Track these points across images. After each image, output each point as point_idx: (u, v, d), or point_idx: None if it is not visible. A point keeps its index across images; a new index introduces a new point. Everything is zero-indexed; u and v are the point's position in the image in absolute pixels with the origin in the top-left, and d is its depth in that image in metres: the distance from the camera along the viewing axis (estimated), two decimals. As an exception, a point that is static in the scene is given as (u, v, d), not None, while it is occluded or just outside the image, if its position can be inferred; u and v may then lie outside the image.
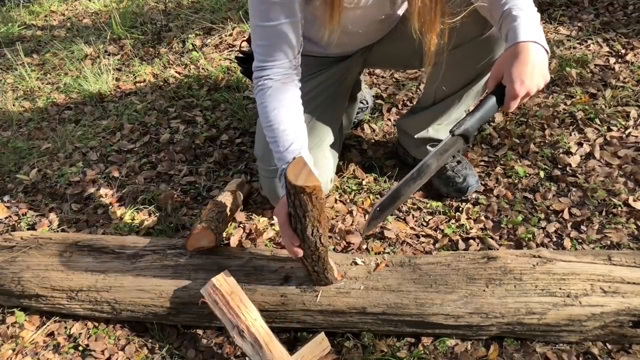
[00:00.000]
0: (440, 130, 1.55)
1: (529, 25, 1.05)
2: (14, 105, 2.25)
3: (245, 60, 1.65)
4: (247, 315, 1.14)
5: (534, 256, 1.22)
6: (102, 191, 1.75)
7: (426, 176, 1.01)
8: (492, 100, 1.05)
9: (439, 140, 1.54)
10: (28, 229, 1.64)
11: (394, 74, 2.12)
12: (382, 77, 2.13)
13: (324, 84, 1.49)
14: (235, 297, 1.15)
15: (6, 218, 1.70)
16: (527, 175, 1.63)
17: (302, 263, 1.14)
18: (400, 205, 1.05)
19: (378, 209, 0.96)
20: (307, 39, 1.44)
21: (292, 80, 1.24)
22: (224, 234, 1.54)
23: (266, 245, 1.51)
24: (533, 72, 1.03)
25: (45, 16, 3.09)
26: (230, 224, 1.58)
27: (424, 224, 1.54)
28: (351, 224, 1.54)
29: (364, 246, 1.48)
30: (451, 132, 1.03)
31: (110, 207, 1.69)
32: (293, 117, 1.20)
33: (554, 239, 1.44)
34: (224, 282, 1.16)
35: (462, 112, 1.53)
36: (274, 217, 1.18)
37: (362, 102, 1.86)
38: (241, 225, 1.58)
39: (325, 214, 1.02)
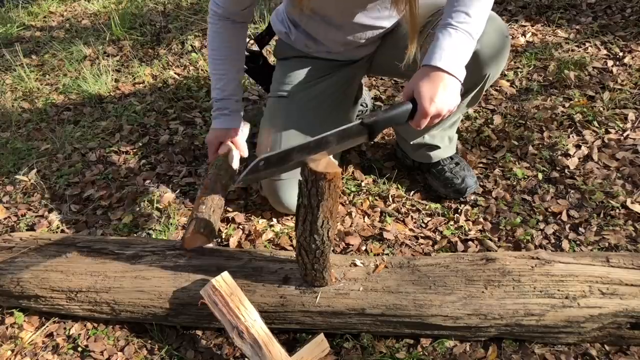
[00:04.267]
0: (435, 136, 1.55)
1: (449, 50, 1.06)
2: (12, 106, 2.25)
3: (252, 60, 1.65)
4: (247, 316, 1.14)
5: (533, 258, 1.23)
6: (101, 192, 1.75)
7: (321, 151, 0.98)
8: (408, 105, 1.05)
9: (436, 146, 1.56)
10: (27, 230, 1.64)
11: (393, 76, 2.13)
12: (381, 79, 2.13)
13: (333, 87, 1.50)
14: (234, 298, 1.15)
15: (5, 219, 1.70)
16: (526, 177, 1.63)
17: (302, 260, 1.14)
18: (285, 170, 0.98)
19: (262, 162, 0.89)
20: (313, 40, 1.46)
21: (244, 24, 1.42)
22: (224, 235, 1.55)
23: (265, 246, 1.51)
24: (443, 93, 1.04)
25: (44, 17, 3.09)
26: (230, 225, 1.58)
27: (423, 225, 1.54)
28: (350, 226, 1.54)
29: (363, 247, 1.48)
30: (361, 119, 1.02)
31: (110, 208, 1.69)
32: (239, 61, 1.46)
33: (552, 241, 1.45)
34: (223, 284, 1.16)
35: (453, 121, 1.53)
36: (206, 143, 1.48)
37: (362, 105, 1.87)
38: (240, 226, 1.58)
39: (338, 205, 1.03)
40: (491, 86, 2.00)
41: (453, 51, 1.07)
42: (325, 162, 0.95)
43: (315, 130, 1.46)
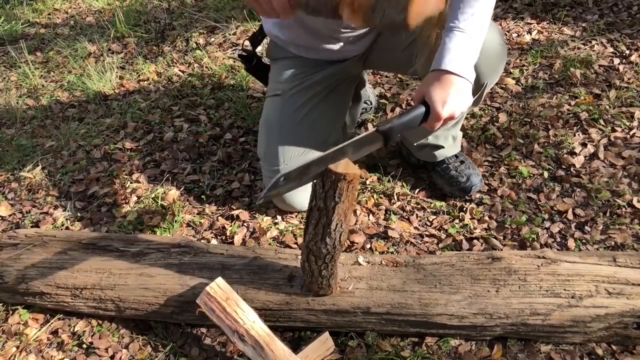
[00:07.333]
0: (439, 136, 1.54)
1: (457, 52, 1.07)
2: (17, 103, 2.25)
3: (248, 59, 1.66)
4: (245, 319, 1.14)
5: (539, 257, 1.22)
6: (106, 189, 1.75)
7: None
8: (421, 109, 1.06)
9: (440, 146, 1.55)
10: (32, 227, 1.64)
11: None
12: (386, 76, 2.13)
13: (325, 83, 1.50)
14: (231, 302, 1.14)
15: (10, 215, 1.71)
16: (531, 175, 1.62)
17: (309, 267, 1.12)
18: (304, 183, 0.97)
19: (283, 178, 0.92)
20: (300, 46, 1.46)
21: None
22: (228, 233, 1.55)
23: (270, 244, 1.51)
24: (455, 96, 1.05)
25: (49, 14, 3.09)
26: (234, 223, 1.58)
27: (428, 223, 1.54)
28: (355, 224, 1.54)
29: (368, 246, 1.48)
30: (376, 127, 1.03)
31: (114, 205, 1.69)
32: None
33: (558, 240, 1.44)
34: (218, 289, 1.15)
35: (457, 120, 1.52)
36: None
37: (366, 102, 1.86)
38: (245, 224, 1.58)
39: (352, 207, 1.02)
40: (496, 84, 1.99)
41: (461, 53, 1.08)
42: (344, 163, 0.94)
43: (309, 126, 1.47)
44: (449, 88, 1.05)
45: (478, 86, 1.31)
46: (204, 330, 1.31)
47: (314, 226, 1.03)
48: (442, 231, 1.51)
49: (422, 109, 1.06)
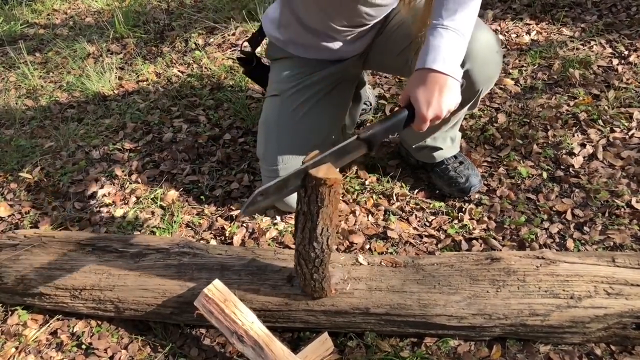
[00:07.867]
0: (437, 138, 1.54)
1: (441, 50, 1.05)
2: (16, 103, 2.25)
3: (247, 61, 1.66)
4: (244, 319, 1.14)
5: (538, 257, 1.22)
6: (105, 190, 1.75)
7: None
8: (404, 114, 1.05)
9: (439, 148, 1.55)
10: (31, 227, 1.64)
11: (397, 74, 2.12)
12: (385, 77, 2.13)
13: (324, 82, 1.49)
14: (229, 304, 1.15)
15: (9, 216, 1.71)
16: (530, 175, 1.63)
17: (301, 270, 1.12)
18: (285, 196, 0.98)
19: (260, 194, 0.91)
20: (299, 45, 1.46)
21: None
22: (227, 233, 1.55)
23: (269, 244, 1.51)
24: (440, 95, 1.03)
25: (48, 14, 3.09)
26: (233, 223, 1.58)
27: (427, 224, 1.54)
28: (354, 224, 1.54)
29: (367, 246, 1.48)
30: (357, 134, 1.02)
31: (113, 205, 1.69)
32: None
33: (557, 240, 1.45)
34: (216, 291, 1.15)
35: (455, 122, 1.51)
36: None
37: (365, 103, 1.87)
38: (244, 224, 1.58)
39: (337, 212, 1.02)
40: (495, 85, 1.99)
41: (445, 51, 1.05)
42: (325, 168, 0.94)
43: (308, 126, 1.46)
44: (433, 88, 1.03)
45: (473, 92, 1.31)
46: (203, 330, 1.31)
47: (301, 230, 1.03)
48: (441, 232, 1.51)
49: (405, 113, 1.05)
